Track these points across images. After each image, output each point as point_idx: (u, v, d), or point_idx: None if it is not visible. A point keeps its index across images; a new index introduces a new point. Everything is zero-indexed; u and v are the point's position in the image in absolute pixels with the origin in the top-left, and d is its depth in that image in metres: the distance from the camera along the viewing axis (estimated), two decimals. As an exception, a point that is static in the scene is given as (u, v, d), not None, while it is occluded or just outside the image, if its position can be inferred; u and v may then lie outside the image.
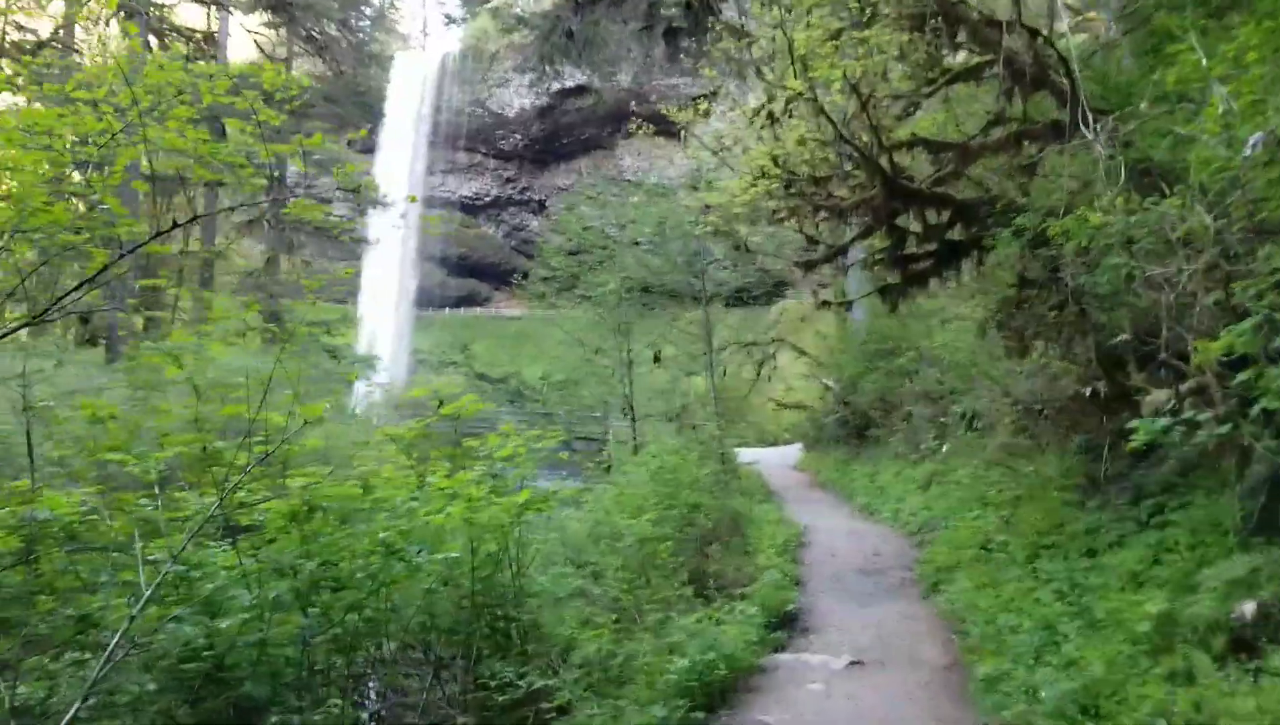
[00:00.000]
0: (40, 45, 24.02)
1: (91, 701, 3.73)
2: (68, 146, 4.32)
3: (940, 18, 8.58)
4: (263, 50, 33.78)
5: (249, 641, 4.36)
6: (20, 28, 25.22)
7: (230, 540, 4.78)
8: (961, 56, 9.50)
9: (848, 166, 9.69)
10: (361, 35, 40.70)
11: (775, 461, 20.87)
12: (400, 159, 49.33)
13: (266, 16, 32.74)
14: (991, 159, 9.09)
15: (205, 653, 4.19)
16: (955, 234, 9.49)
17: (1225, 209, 4.89)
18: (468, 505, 5.36)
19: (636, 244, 21.08)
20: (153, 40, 26.05)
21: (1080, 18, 10.39)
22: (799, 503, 15.26)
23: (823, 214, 10.48)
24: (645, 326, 21.20)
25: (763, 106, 10.69)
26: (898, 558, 10.36)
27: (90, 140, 4.47)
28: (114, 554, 4.51)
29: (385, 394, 28.50)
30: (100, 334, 22.03)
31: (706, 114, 12.53)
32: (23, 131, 4.18)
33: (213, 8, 30.26)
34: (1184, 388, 5.58)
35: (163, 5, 27.98)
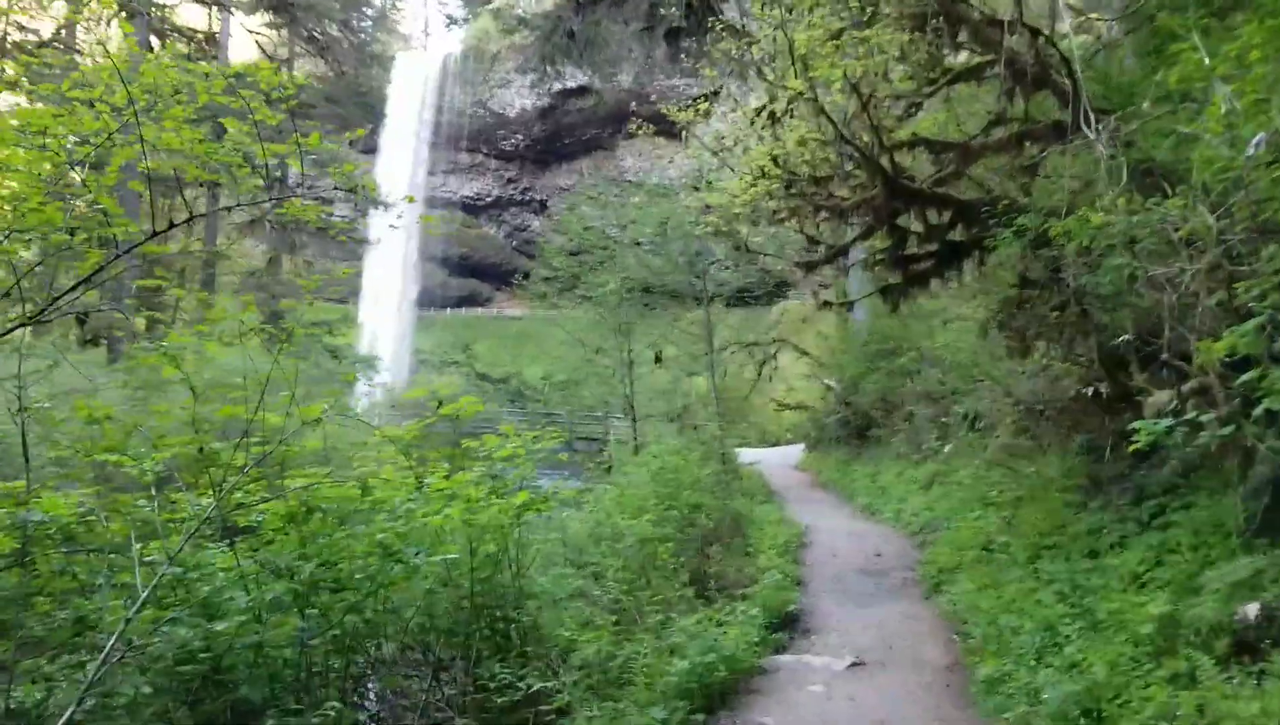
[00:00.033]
0: (42, 45, 24.04)
1: (88, 704, 3.71)
2: (63, 146, 4.30)
3: (941, 17, 8.56)
4: (264, 51, 33.79)
5: (246, 643, 4.35)
6: (22, 28, 25.25)
7: (228, 542, 4.76)
8: (963, 56, 9.48)
9: (848, 166, 9.66)
10: (363, 36, 40.81)
11: (776, 462, 20.86)
12: (402, 159, 49.42)
13: (268, 17, 32.75)
14: (993, 159, 9.07)
15: (202, 655, 4.18)
16: (956, 234, 9.47)
17: (1228, 209, 4.86)
18: (466, 506, 5.35)
19: (638, 244, 21.08)
20: (154, 41, 26.06)
21: (1082, 18, 10.36)
22: (800, 503, 15.24)
23: (824, 214, 10.46)
24: (646, 327, 21.20)
25: (763, 107, 10.67)
26: (899, 558, 10.33)
27: (87, 140, 4.45)
28: (111, 556, 4.49)
29: (386, 394, 28.52)
30: (102, 334, 22.04)
31: (707, 114, 12.50)
32: (17, 131, 4.17)
33: (214, 8, 30.29)
34: (1186, 388, 5.56)
35: (164, 6, 28.00)
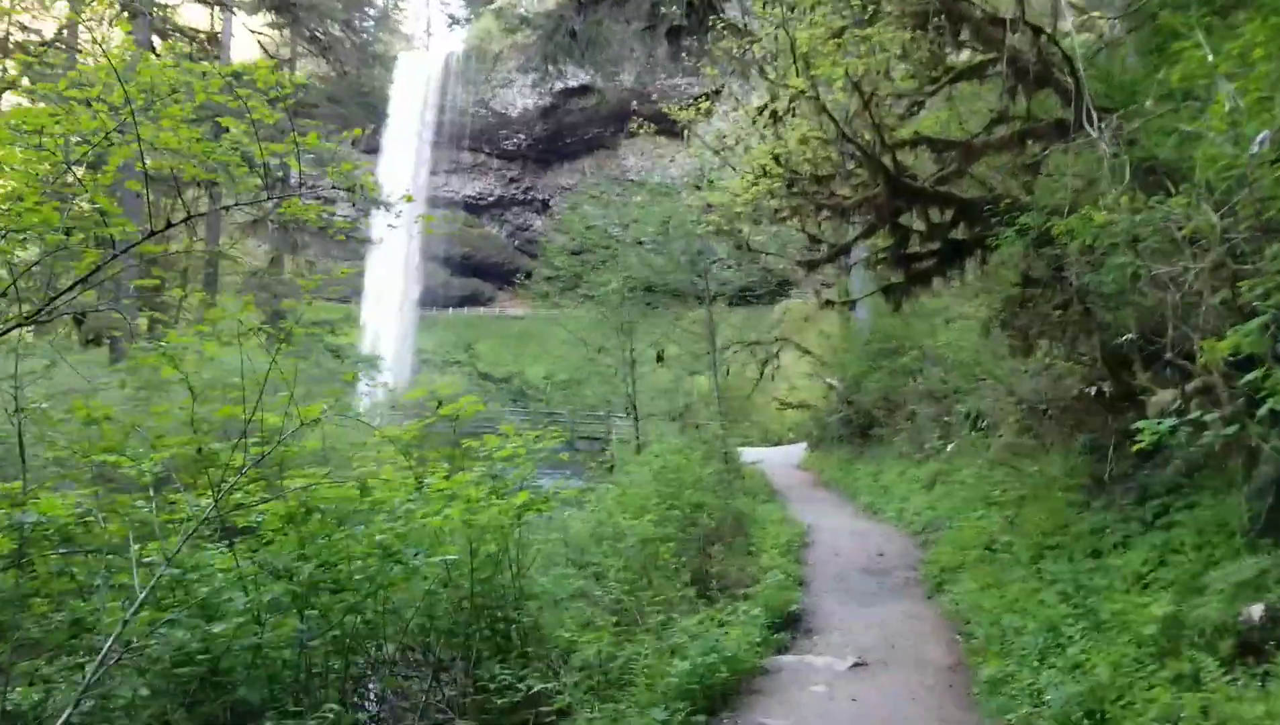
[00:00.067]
0: (44, 46, 24.06)
1: (85, 706, 3.70)
2: (60, 146, 4.28)
3: (943, 15, 8.53)
4: (266, 51, 33.78)
5: (245, 645, 4.33)
6: (24, 28, 25.26)
7: (227, 542, 4.75)
8: (965, 55, 9.45)
9: (850, 165, 9.63)
10: (365, 36, 40.77)
11: (779, 461, 20.86)
12: (404, 159, 49.45)
13: (270, 17, 32.72)
14: (995, 157, 9.04)
15: (200, 656, 4.16)
16: (959, 233, 9.44)
17: (1232, 207, 4.83)
18: (466, 506, 5.33)
19: (640, 243, 21.07)
20: (156, 41, 26.06)
21: (1084, 16, 10.33)
22: (802, 502, 15.23)
23: (825, 213, 10.43)
24: (648, 326, 21.21)
25: (765, 105, 10.64)
26: (901, 558, 10.31)
27: (85, 139, 4.44)
28: (108, 556, 4.48)
29: (388, 394, 28.52)
30: (103, 334, 22.03)
31: (709, 113, 12.46)
32: (13, 130, 4.15)
33: (216, 8, 30.28)
34: (1190, 387, 5.53)
35: (166, 5, 28.00)
